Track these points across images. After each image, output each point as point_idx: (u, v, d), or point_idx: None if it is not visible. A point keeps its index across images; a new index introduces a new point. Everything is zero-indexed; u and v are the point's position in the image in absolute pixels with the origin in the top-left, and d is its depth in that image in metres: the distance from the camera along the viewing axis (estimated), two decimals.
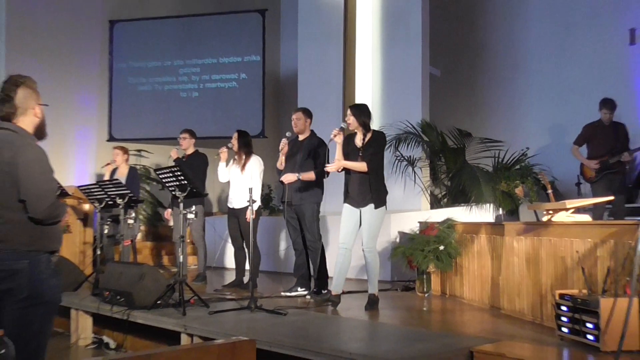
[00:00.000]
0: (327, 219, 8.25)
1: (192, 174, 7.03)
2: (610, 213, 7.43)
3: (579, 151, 7.45)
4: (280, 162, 6.45)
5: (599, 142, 7.31)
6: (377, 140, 5.68)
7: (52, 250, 3.03)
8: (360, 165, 5.53)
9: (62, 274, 6.34)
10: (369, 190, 5.54)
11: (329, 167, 5.68)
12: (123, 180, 7.62)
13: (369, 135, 5.64)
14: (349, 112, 5.75)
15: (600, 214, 7.10)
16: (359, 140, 5.66)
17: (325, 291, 6.30)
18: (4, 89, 3.00)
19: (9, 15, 11.01)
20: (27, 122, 3.03)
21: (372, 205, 5.53)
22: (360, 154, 5.57)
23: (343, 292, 5.87)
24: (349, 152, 5.65)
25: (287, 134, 6.45)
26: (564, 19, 9.98)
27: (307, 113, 6.57)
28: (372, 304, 5.59)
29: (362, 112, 5.69)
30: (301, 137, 6.54)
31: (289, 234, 6.78)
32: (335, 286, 5.69)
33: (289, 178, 6.30)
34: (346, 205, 5.72)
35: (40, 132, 3.10)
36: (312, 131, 6.59)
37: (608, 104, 7.26)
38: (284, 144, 6.39)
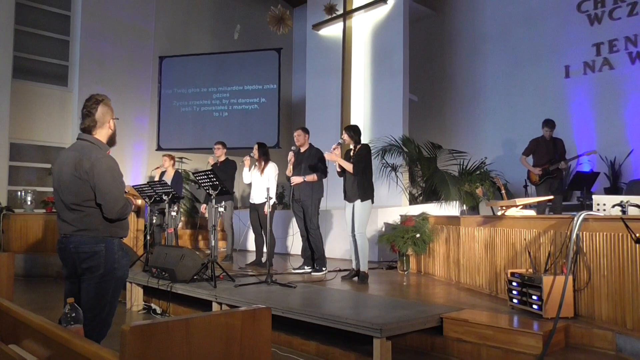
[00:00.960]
0: (333, 212, 8.29)
1: (225, 177, 7.04)
2: (550, 209, 7.38)
3: (526, 160, 7.42)
4: (289, 170, 6.49)
5: (541, 154, 7.28)
6: (363, 151, 5.74)
7: (122, 236, 2.98)
8: (349, 166, 5.64)
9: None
10: (357, 188, 5.61)
11: (327, 155, 5.80)
12: (169, 181, 7.60)
13: (357, 147, 5.74)
14: (344, 132, 5.84)
15: (542, 210, 7.06)
16: (352, 153, 5.79)
17: (324, 269, 6.30)
18: (87, 106, 2.92)
19: (82, 51, 11.07)
20: (103, 133, 2.95)
21: (359, 200, 5.60)
22: (351, 161, 5.68)
23: (340, 270, 6.08)
24: (346, 160, 5.76)
25: (293, 147, 6.51)
26: (513, 57, 9.95)
27: (306, 130, 6.66)
28: (363, 279, 5.59)
29: (354, 132, 5.81)
30: (302, 149, 6.56)
31: (297, 224, 6.76)
32: (355, 264, 5.81)
33: (295, 180, 6.38)
34: (345, 202, 5.81)
35: (112, 140, 3.02)
36: (310, 144, 6.64)
37: (549, 123, 7.25)
38: (291, 156, 6.44)
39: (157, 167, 8.39)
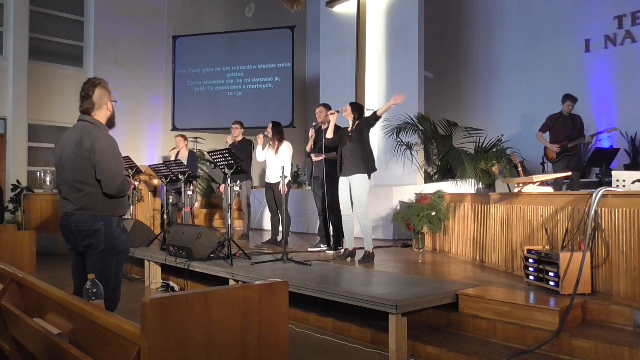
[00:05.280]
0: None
1: (243, 156, 7.07)
2: (568, 186, 7.31)
3: (542, 137, 7.30)
4: (309, 147, 6.40)
5: (559, 130, 7.16)
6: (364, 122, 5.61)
7: (120, 214, 3.08)
8: (330, 133, 5.66)
9: (136, 232, 6.48)
10: (355, 158, 5.42)
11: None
12: (184, 161, 7.65)
13: (357, 123, 5.57)
14: (348, 105, 5.66)
15: (560, 187, 6.99)
16: (349, 128, 5.62)
17: (341, 247, 6.31)
18: (85, 88, 3.01)
19: (96, 32, 11.11)
20: (101, 115, 3.03)
21: (356, 173, 5.40)
22: (350, 135, 5.52)
23: (357, 248, 5.88)
24: (343, 136, 5.63)
25: (314, 124, 6.39)
26: (531, 31, 9.78)
27: (327, 106, 6.43)
28: (366, 258, 5.48)
29: (356, 109, 5.64)
30: (324, 126, 6.39)
31: (315, 203, 6.73)
32: (348, 244, 5.71)
33: (316, 157, 6.29)
34: (340, 177, 5.62)
35: (111, 122, 3.10)
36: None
37: (571, 97, 7.10)
38: (312, 133, 6.35)
39: (173, 148, 8.45)
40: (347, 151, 5.51)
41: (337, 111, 5.69)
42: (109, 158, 2.89)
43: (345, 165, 5.52)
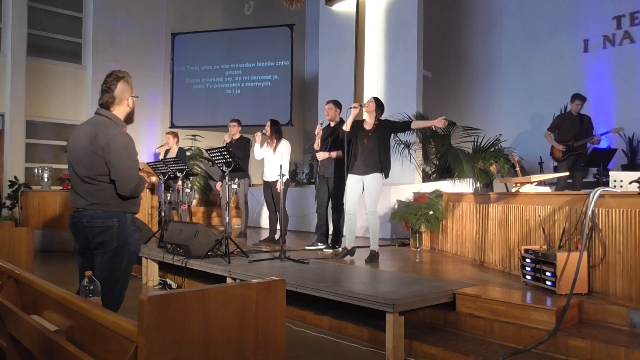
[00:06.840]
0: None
1: (241, 154, 7.06)
2: (569, 186, 7.31)
3: (550, 136, 7.29)
4: (317, 144, 6.31)
5: (566, 130, 7.13)
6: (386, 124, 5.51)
7: (134, 212, 2.99)
8: (348, 125, 5.41)
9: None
10: (375, 159, 5.31)
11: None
12: None
13: (378, 123, 5.44)
14: (372, 100, 5.51)
15: (562, 187, 6.99)
16: (368, 125, 5.46)
17: (338, 246, 6.29)
18: (107, 82, 2.91)
19: (95, 28, 11.10)
20: (121, 110, 2.94)
21: (375, 173, 5.30)
22: (370, 135, 5.38)
23: (354, 247, 5.86)
24: (358, 132, 5.46)
25: (320, 122, 6.33)
26: (530, 31, 9.77)
27: (337, 104, 6.36)
28: (372, 258, 5.43)
29: (380, 106, 5.50)
30: (332, 124, 6.33)
31: (316, 200, 6.65)
32: (349, 243, 5.65)
33: (321, 156, 6.24)
34: (351, 175, 5.47)
35: (130, 118, 3.02)
36: (341, 118, 6.32)
37: (580, 97, 7.08)
38: (319, 130, 6.25)
39: (162, 145, 8.41)
40: (365, 150, 5.37)
41: (361, 105, 5.53)
42: (124, 158, 2.81)
43: (360, 163, 5.39)
